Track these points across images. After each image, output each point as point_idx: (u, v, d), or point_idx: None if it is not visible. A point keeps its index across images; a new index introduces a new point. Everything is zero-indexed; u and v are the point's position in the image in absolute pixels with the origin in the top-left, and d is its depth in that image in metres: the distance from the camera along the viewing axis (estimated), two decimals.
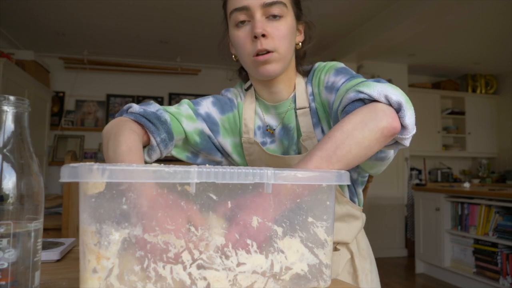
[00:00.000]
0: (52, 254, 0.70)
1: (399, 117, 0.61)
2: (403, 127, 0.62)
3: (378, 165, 0.81)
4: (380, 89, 0.61)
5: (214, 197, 0.49)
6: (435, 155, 5.10)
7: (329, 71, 0.80)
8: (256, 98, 0.90)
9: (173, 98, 4.79)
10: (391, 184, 4.57)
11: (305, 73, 0.87)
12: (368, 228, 4.72)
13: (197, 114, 0.86)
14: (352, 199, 0.90)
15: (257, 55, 0.75)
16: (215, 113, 0.88)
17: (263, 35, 0.73)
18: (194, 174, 0.46)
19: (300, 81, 0.86)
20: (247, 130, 0.89)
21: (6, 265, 0.41)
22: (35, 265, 0.45)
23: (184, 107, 0.85)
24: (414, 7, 2.95)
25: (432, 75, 5.31)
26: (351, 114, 0.62)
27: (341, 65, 0.82)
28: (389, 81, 4.54)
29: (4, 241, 0.41)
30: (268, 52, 0.75)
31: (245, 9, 0.74)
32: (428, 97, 4.99)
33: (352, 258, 0.89)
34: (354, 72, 0.79)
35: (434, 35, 3.76)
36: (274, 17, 0.74)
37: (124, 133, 0.67)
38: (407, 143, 0.64)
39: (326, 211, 0.55)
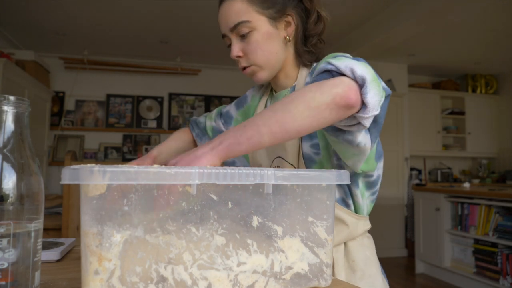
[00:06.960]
0: (52, 254, 0.70)
1: (361, 94, 0.60)
2: (364, 104, 0.60)
3: (348, 150, 0.71)
4: (348, 63, 0.61)
5: (215, 198, 0.49)
6: (435, 155, 5.10)
7: (328, 57, 0.78)
8: (271, 89, 0.98)
9: (173, 98, 4.78)
10: (391, 184, 4.56)
11: (310, 65, 0.88)
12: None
13: (218, 114, 1.06)
14: (345, 201, 0.82)
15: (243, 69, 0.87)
16: (233, 109, 1.05)
17: (238, 56, 0.83)
18: (195, 175, 0.46)
19: (303, 73, 0.87)
20: None
21: (6, 265, 0.41)
22: (35, 265, 0.45)
23: (214, 111, 1.09)
24: (414, 7, 2.95)
25: (432, 75, 5.31)
26: (314, 82, 0.64)
27: (344, 54, 0.78)
28: (389, 81, 4.53)
29: (4, 241, 0.41)
30: (247, 67, 0.85)
31: (224, 35, 0.85)
32: (428, 97, 4.98)
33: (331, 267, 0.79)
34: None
35: (434, 35, 3.76)
36: (243, 36, 0.81)
37: (175, 133, 1.08)
38: (367, 123, 0.62)
39: (326, 210, 0.55)
